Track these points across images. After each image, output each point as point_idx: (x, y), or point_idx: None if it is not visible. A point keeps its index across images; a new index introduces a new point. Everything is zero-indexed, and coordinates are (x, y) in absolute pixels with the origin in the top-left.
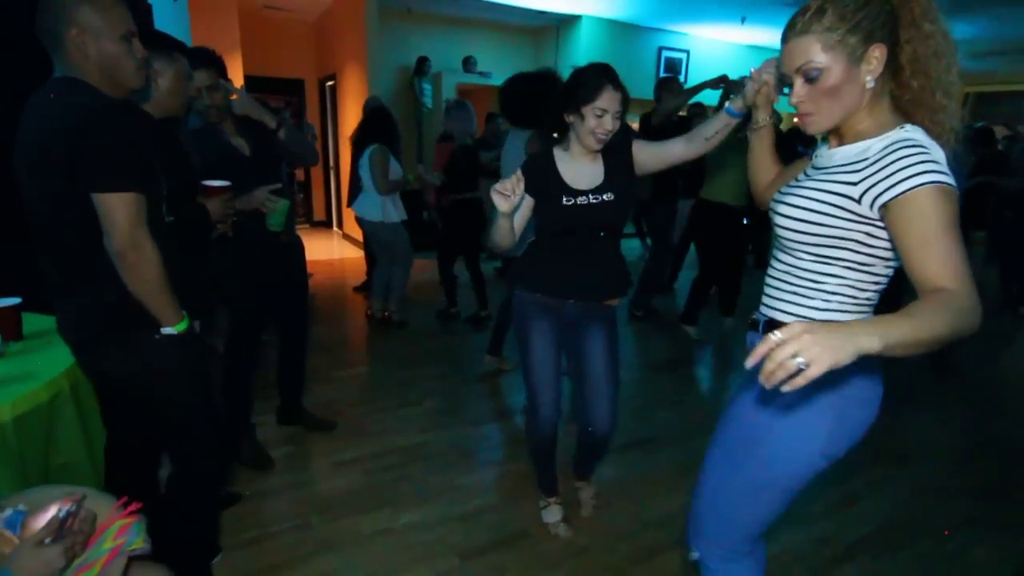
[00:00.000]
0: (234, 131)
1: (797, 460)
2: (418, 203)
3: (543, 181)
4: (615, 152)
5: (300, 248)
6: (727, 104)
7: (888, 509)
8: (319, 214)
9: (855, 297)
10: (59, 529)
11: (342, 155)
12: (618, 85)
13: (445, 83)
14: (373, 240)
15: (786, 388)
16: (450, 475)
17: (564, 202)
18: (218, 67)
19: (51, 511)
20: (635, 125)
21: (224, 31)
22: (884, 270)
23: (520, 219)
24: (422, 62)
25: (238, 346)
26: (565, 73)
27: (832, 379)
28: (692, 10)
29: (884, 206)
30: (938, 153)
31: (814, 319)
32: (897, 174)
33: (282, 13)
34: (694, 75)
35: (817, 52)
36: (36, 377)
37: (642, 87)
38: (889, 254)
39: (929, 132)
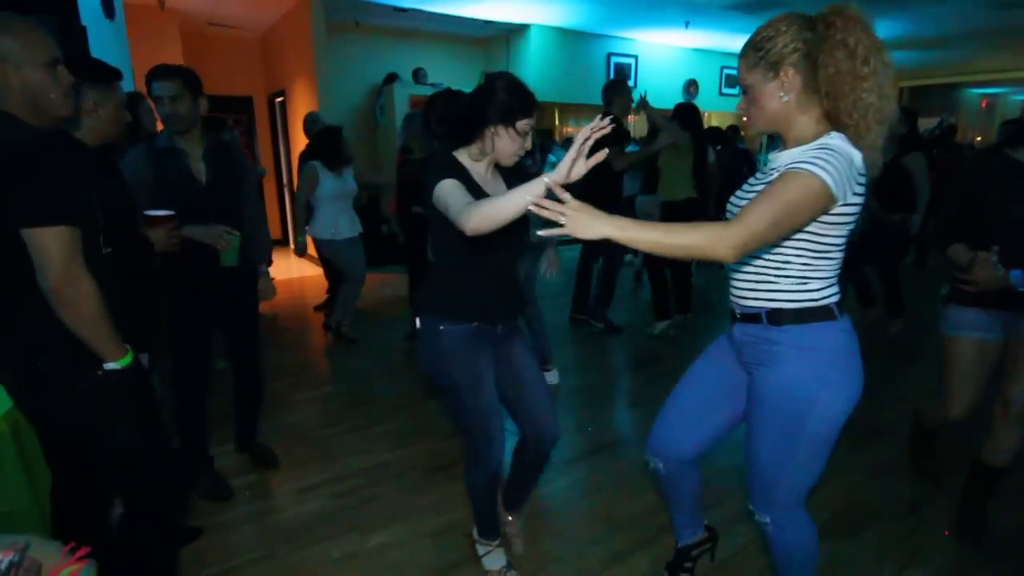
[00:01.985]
0: (199, 155)
1: (838, 417)
2: (377, 215)
3: (468, 188)
4: (506, 172)
5: (250, 274)
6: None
7: (847, 492)
8: (274, 232)
9: (818, 277)
10: None
11: (295, 173)
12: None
13: (397, 95)
14: (332, 259)
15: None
16: (419, 493)
17: None
18: (185, 78)
19: None
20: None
21: (166, 50)
22: (838, 241)
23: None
24: (392, 77)
25: (185, 377)
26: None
27: (842, 342)
28: (638, 16)
29: None
30: (846, 159)
31: (784, 300)
32: (793, 163)
33: (227, 30)
34: (643, 79)
35: (744, 72)
36: None
37: (593, 94)
38: (838, 230)
39: (851, 141)
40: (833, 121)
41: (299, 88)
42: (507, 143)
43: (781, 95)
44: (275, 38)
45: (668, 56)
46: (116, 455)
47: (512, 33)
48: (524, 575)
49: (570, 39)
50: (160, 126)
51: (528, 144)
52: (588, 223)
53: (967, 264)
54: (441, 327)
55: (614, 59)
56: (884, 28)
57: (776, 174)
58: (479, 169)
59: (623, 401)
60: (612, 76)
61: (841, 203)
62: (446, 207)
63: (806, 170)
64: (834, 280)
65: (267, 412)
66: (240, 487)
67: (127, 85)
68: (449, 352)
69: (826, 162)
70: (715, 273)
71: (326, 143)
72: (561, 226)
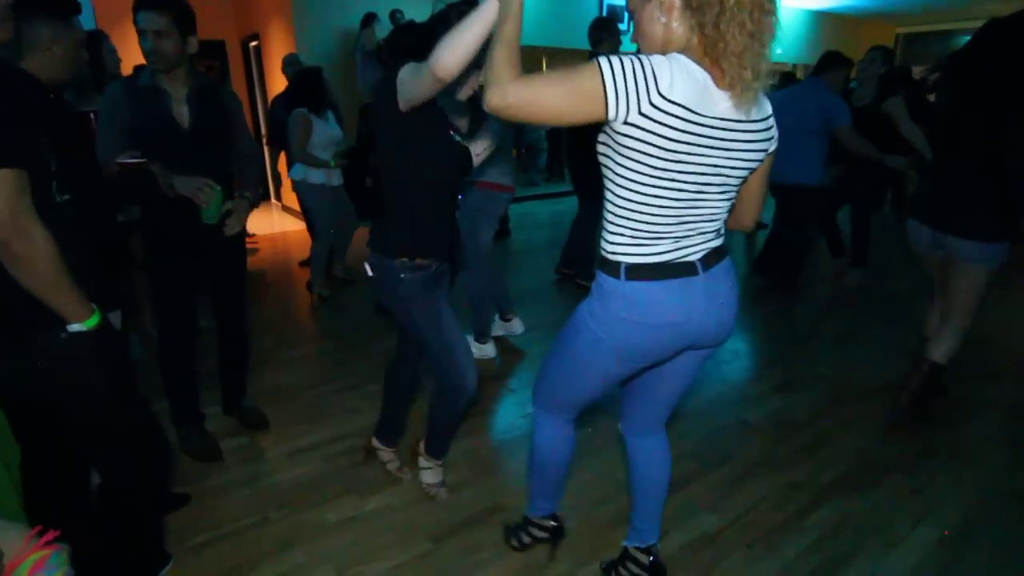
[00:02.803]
0: (183, 97)
1: (594, 357)
2: (361, 167)
3: (429, 109)
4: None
5: (236, 234)
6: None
7: (854, 448)
8: None
9: (618, 229)
10: None
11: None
12: None
13: (378, 38)
14: (305, 206)
15: None
16: (415, 445)
17: (453, 137)
18: (176, 12)
19: None
20: None
21: None
22: (634, 178)
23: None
24: (370, 17)
25: (169, 336)
26: None
27: (608, 307)
28: None
29: None
30: (649, 71)
31: (604, 243)
32: None
33: None
34: None
35: None
36: None
37: (584, 38)
38: (626, 159)
39: (721, 77)
40: (702, 40)
41: (274, 31)
42: (462, 76)
43: (659, 16)
44: None
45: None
46: (89, 424)
47: None
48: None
49: None
50: (126, 71)
51: (483, 78)
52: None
53: None
54: (401, 275)
55: (607, 1)
56: None
57: None
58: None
59: None
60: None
61: (618, 117)
62: (410, 82)
63: (599, 62)
64: (641, 239)
65: (254, 371)
66: (230, 450)
67: (87, 23)
68: (410, 297)
69: (621, 64)
70: None
71: (307, 87)
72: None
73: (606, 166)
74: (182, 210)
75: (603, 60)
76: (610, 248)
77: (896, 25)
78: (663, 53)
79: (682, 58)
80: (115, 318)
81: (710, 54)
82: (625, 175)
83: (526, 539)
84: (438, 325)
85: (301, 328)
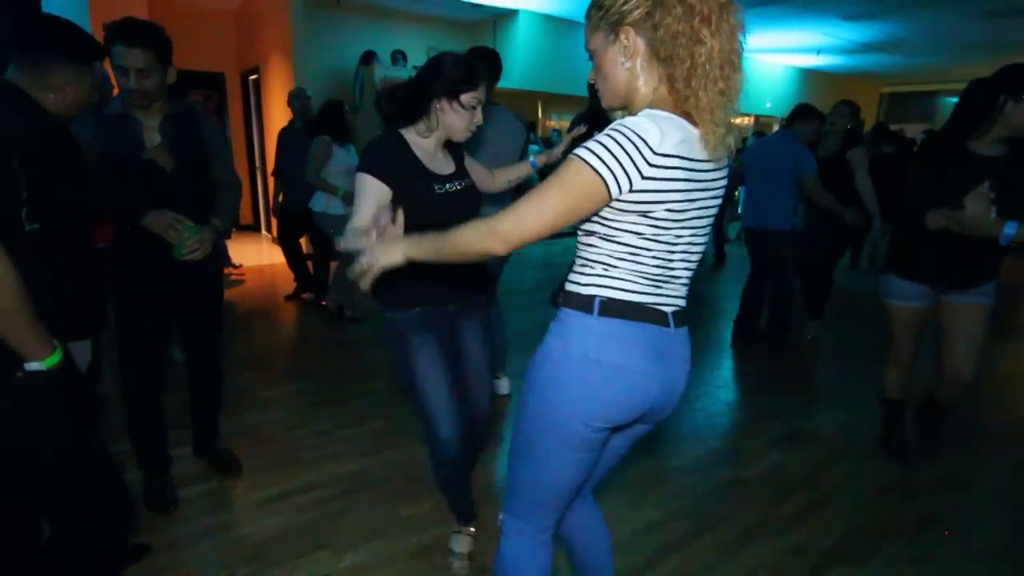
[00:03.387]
0: (155, 126)
1: (553, 422)
2: None
3: (403, 169)
4: (455, 150)
5: (210, 264)
6: (532, 157)
7: (854, 511)
8: (245, 217)
9: (601, 263)
10: None
11: (268, 153)
12: (487, 78)
13: (378, 76)
14: (327, 234)
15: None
16: (396, 505)
17: (436, 190)
18: (158, 48)
19: None
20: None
21: None
22: (635, 230)
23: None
24: (369, 56)
25: (134, 371)
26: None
27: (578, 337)
28: None
29: None
30: (635, 139)
31: (569, 280)
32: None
33: (198, 2)
34: None
35: (588, 35)
36: None
37: (579, 85)
38: (630, 217)
39: (682, 115)
40: (672, 92)
41: (274, 66)
42: (454, 118)
43: (623, 61)
44: (250, 13)
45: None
46: (41, 471)
47: (500, 18)
48: None
49: (559, 27)
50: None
51: (478, 118)
52: (386, 253)
53: (959, 206)
54: (386, 315)
55: None
56: (869, 31)
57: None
58: (427, 146)
59: None
60: None
61: (622, 192)
62: (355, 200)
63: (579, 156)
64: (623, 275)
65: (229, 409)
66: (197, 496)
67: None
68: (397, 340)
69: (603, 145)
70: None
71: (333, 116)
72: (366, 268)
73: (599, 220)
74: (151, 242)
75: (583, 153)
76: (584, 281)
77: (882, 84)
78: (627, 99)
79: (658, 112)
80: (84, 347)
81: (681, 107)
82: (621, 231)
83: None
84: (415, 371)
85: (283, 365)
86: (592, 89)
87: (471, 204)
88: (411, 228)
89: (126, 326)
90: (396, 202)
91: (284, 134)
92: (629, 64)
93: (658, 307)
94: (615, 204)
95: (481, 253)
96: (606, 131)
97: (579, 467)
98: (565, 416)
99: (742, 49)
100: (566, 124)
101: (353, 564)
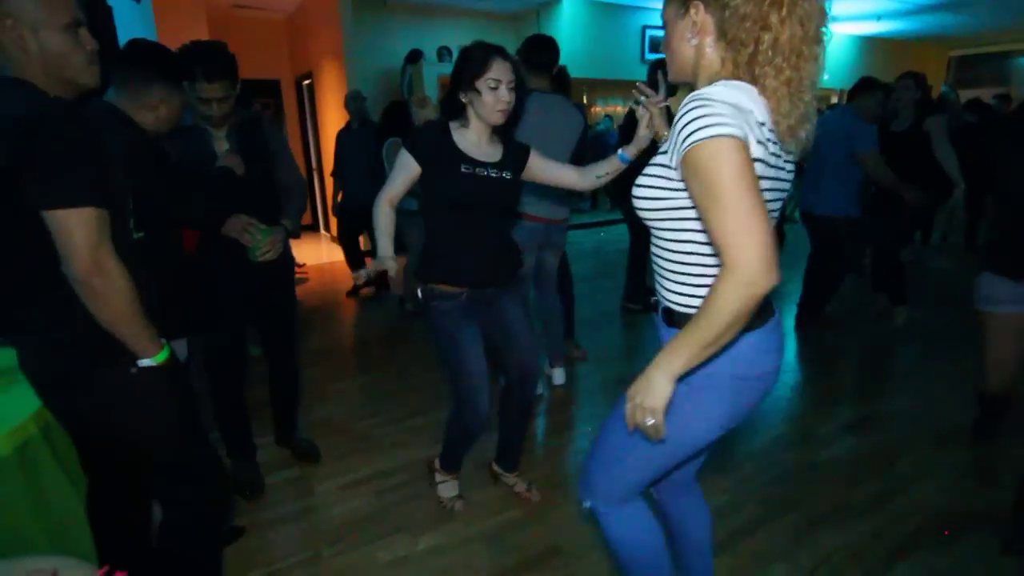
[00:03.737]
0: (223, 136)
1: (696, 432)
2: None
3: (436, 151)
4: (514, 145)
5: (284, 264)
6: (620, 151)
7: (935, 496)
8: (305, 218)
9: (706, 275)
10: None
11: (324, 155)
12: (506, 56)
13: (426, 74)
14: (403, 233)
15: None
16: (468, 490)
17: (463, 170)
18: (232, 75)
19: None
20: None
21: (191, 32)
22: None
23: (399, 189)
24: (416, 54)
25: (217, 368)
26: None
27: (729, 365)
28: None
29: (680, 172)
30: (728, 104)
31: (690, 294)
32: (679, 135)
33: (253, 12)
34: None
35: (665, 5)
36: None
37: (627, 68)
38: None
39: (766, 89)
40: (738, 73)
41: (327, 70)
42: (480, 103)
43: (689, 36)
44: (302, 19)
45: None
46: (154, 459)
47: (544, 7)
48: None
49: (603, 12)
50: None
51: (504, 97)
52: (650, 393)
53: None
54: (432, 302)
55: (649, 32)
56: None
57: (664, 146)
58: (471, 137)
59: None
60: (647, 50)
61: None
62: (391, 174)
63: (710, 135)
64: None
65: (304, 401)
66: (282, 483)
67: None
68: (438, 324)
69: (713, 114)
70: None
71: (398, 117)
72: (653, 424)
73: (694, 213)
74: (229, 247)
75: (710, 131)
76: (699, 298)
77: (949, 48)
78: (694, 76)
79: (740, 83)
80: (181, 345)
81: (742, 77)
82: None
83: None
84: (453, 350)
85: (350, 359)
86: (655, 78)
87: (499, 195)
88: (441, 208)
89: (210, 325)
90: (424, 179)
91: (342, 135)
92: (696, 41)
93: (768, 302)
94: None
95: (753, 306)
96: (698, 106)
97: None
98: (707, 432)
99: (821, 38)
100: (613, 110)
101: (429, 546)
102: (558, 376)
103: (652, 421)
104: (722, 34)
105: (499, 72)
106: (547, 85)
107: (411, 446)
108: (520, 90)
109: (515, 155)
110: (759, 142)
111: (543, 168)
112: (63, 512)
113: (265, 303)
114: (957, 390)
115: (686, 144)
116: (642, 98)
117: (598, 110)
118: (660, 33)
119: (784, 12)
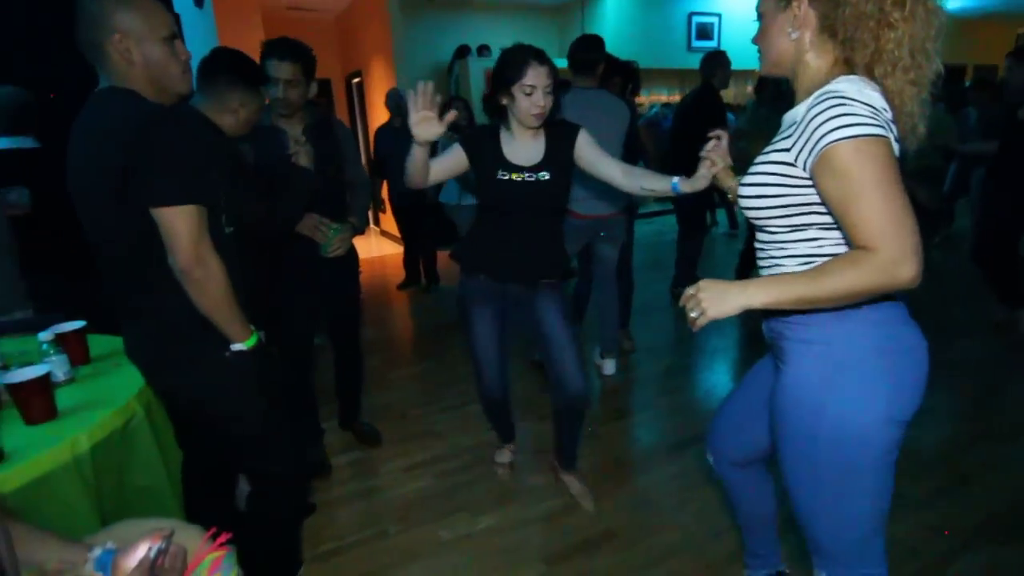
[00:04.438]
0: (299, 133)
1: (865, 437)
2: None
3: (483, 151)
4: (560, 134)
5: (350, 259)
6: (675, 180)
7: (1001, 490)
8: None
9: (828, 253)
10: (151, 568)
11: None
12: (544, 60)
13: (472, 69)
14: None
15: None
16: (524, 474)
17: (499, 176)
18: (304, 63)
19: (141, 550)
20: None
21: (249, 34)
22: None
23: (440, 166)
24: (464, 50)
25: (290, 355)
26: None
27: (860, 334)
28: None
29: (811, 169)
30: (864, 102)
31: None
32: (814, 133)
33: (305, 13)
34: (727, 39)
35: None
36: (109, 402)
37: (674, 56)
38: None
39: (888, 90)
40: (853, 72)
41: (376, 68)
42: (516, 107)
43: (790, 31)
44: (350, 19)
45: (754, 11)
46: (244, 435)
47: None
48: (640, 569)
49: (647, 1)
50: None
51: (539, 102)
52: (721, 300)
53: None
54: (461, 277)
55: (695, 19)
56: None
57: (781, 141)
58: (515, 139)
59: (722, 387)
60: (694, 37)
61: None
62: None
63: (855, 135)
64: None
65: (365, 392)
66: (347, 463)
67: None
68: (460, 298)
69: (850, 115)
70: None
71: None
72: (696, 318)
73: (809, 200)
74: (302, 242)
75: (855, 130)
76: None
77: (1017, 25)
78: (793, 72)
79: (861, 79)
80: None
81: (860, 76)
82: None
83: None
84: (465, 327)
85: (407, 348)
86: (709, 71)
87: (533, 197)
88: (480, 210)
89: (284, 315)
90: (471, 173)
91: (383, 133)
92: (796, 35)
93: None
94: None
95: (883, 290)
96: (835, 104)
97: (891, 474)
98: (881, 425)
99: (939, 34)
100: (657, 98)
101: (489, 526)
102: (609, 367)
103: (698, 318)
104: (830, 30)
105: (534, 77)
106: (592, 82)
107: (467, 432)
108: (557, 90)
109: (559, 147)
110: (896, 140)
111: (590, 156)
112: (151, 479)
113: (334, 295)
114: (1021, 384)
115: (826, 142)
116: (710, 146)
117: (644, 100)
118: (706, 20)
119: (907, 10)
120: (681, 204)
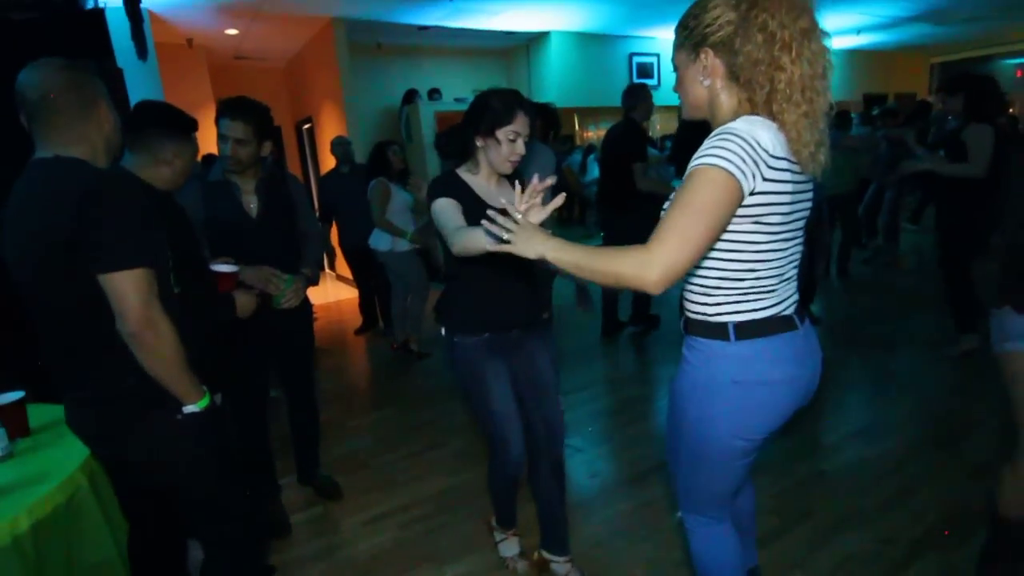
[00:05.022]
0: (251, 189)
1: (712, 441)
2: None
3: (462, 199)
4: (506, 180)
5: (303, 309)
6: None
7: (945, 498)
8: None
9: (726, 288)
10: None
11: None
12: (527, 109)
13: (423, 113)
14: (388, 271)
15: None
16: (489, 519)
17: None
18: (257, 122)
19: None
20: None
21: (196, 86)
22: (754, 238)
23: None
24: (411, 94)
25: (245, 409)
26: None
27: (717, 375)
28: (658, 14)
29: None
30: (748, 141)
31: (691, 310)
32: (694, 159)
33: (253, 62)
34: (666, 78)
35: (674, 52)
36: (51, 477)
37: (616, 94)
38: (747, 224)
39: (786, 123)
40: (755, 111)
41: (326, 113)
42: (495, 152)
43: (701, 79)
44: (299, 67)
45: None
46: (196, 499)
47: (532, 41)
48: None
49: (590, 42)
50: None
51: (518, 150)
52: (528, 241)
53: None
54: (455, 339)
55: (636, 59)
56: (908, 4)
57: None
58: (480, 182)
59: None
60: (635, 76)
61: (747, 193)
62: (440, 226)
63: (704, 164)
64: (751, 292)
65: (322, 439)
66: (307, 521)
67: None
68: (462, 362)
69: (722, 148)
70: None
71: (379, 158)
72: (506, 242)
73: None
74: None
75: (708, 159)
76: (713, 310)
77: (930, 55)
78: (710, 113)
79: (758, 119)
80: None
81: (759, 114)
82: (740, 239)
83: None
84: (477, 388)
85: (365, 396)
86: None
87: None
88: (466, 264)
89: (235, 368)
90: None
91: (329, 180)
92: (708, 82)
93: (783, 314)
94: (737, 211)
95: (630, 283)
96: (718, 137)
97: (744, 469)
98: (727, 438)
99: (828, 72)
100: (601, 133)
101: (456, 574)
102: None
103: (501, 240)
104: (734, 76)
105: (520, 125)
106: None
107: (430, 478)
108: (529, 142)
109: (511, 190)
110: (766, 179)
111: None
112: (102, 555)
113: (286, 347)
114: (958, 394)
115: (693, 164)
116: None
117: (590, 135)
118: (646, 60)
119: (794, 54)
120: (623, 234)
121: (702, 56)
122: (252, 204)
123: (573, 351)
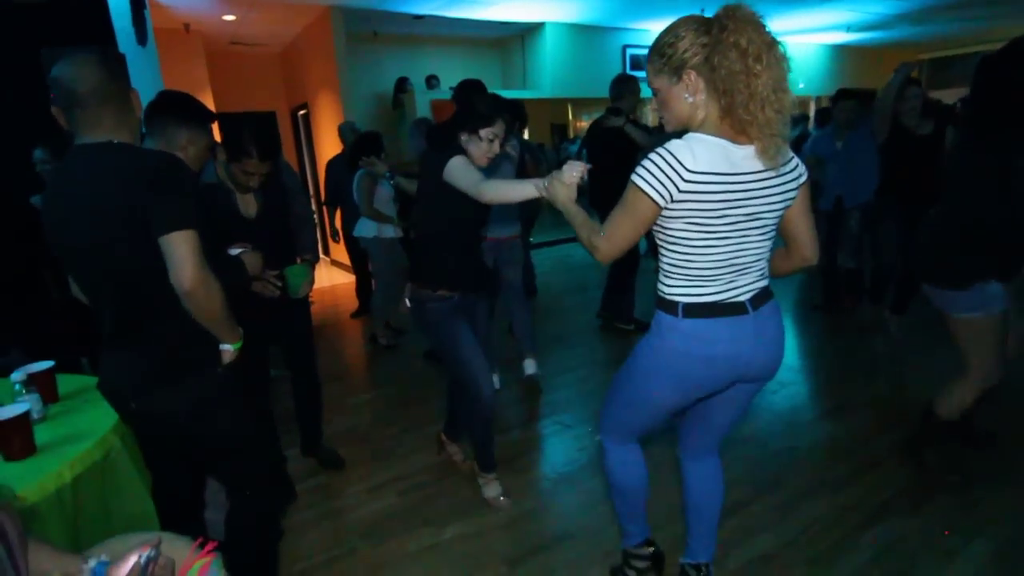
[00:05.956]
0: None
1: (648, 390)
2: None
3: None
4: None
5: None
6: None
7: (905, 471)
8: None
9: (675, 273)
10: (143, 575)
11: (322, 184)
12: (506, 118)
13: (419, 101)
14: (371, 260)
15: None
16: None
17: (470, 200)
18: (276, 160)
19: (132, 559)
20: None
21: (193, 71)
22: (685, 236)
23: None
24: (402, 82)
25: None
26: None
27: (668, 339)
28: (653, 6)
29: None
30: (672, 158)
31: (662, 284)
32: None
33: (249, 47)
34: None
35: (652, 77)
36: (86, 436)
37: (605, 86)
38: (677, 224)
39: (757, 140)
40: (733, 115)
41: (322, 100)
42: (475, 148)
43: (687, 97)
44: (295, 53)
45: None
46: (232, 444)
47: (527, 32)
48: (598, 562)
49: (585, 34)
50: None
51: (495, 149)
52: (557, 192)
53: None
54: (429, 304)
55: (630, 51)
56: (898, 2)
57: None
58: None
59: None
60: (628, 68)
61: (665, 203)
62: (459, 179)
63: (632, 178)
64: (698, 279)
65: (324, 415)
66: (312, 488)
67: None
68: (434, 323)
69: (646, 167)
70: None
71: (369, 147)
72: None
73: (659, 228)
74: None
75: (636, 178)
76: (668, 290)
77: (920, 52)
78: (687, 128)
79: (697, 135)
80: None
81: (736, 127)
82: (676, 236)
83: (631, 574)
84: (455, 344)
85: (362, 375)
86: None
87: (483, 211)
88: (443, 220)
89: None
90: (437, 195)
91: (334, 165)
92: (692, 99)
93: (734, 299)
94: (664, 213)
95: (590, 252)
96: (654, 152)
97: (661, 413)
98: (663, 391)
99: (787, 76)
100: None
101: (452, 536)
102: (531, 366)
103: (546, 183)
104: (714, 88)
105: (499, 129)
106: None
107: (427, 451)
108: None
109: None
110: (681, 190)
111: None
112: (139, 508)
113: (287, 331)
114: (926, 374)
115: (633, 174)
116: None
117: (582, 124)
118: (640, 52)
119: (764, 63)
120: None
121: (685, 77)
122: (250, 204)
123: (564, 334)
